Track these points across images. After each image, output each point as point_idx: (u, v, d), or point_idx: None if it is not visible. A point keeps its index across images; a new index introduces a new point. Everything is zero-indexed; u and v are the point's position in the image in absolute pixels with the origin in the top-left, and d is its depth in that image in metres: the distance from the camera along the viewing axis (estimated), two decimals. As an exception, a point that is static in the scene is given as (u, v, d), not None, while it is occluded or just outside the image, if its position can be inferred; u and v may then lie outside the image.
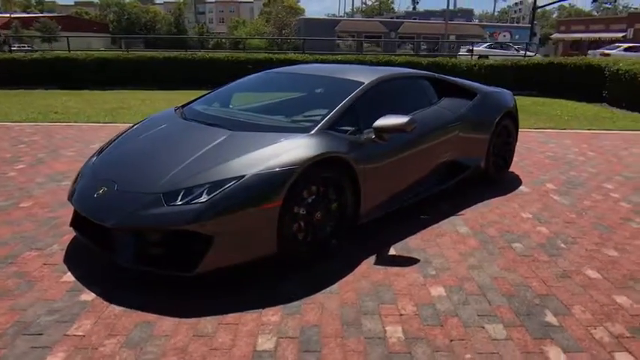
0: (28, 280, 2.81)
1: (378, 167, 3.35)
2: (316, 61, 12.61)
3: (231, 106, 4.07)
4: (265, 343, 2.27)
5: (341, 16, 66.39)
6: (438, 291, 2.78)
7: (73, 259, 3.06)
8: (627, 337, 2.38)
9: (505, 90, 5.21)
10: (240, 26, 68.95)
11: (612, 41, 52.01)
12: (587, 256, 3.27)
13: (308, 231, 2.95)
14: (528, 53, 23.20)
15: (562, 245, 3.44)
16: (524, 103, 10.27)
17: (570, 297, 2.74)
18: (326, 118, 3.22)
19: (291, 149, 2.89)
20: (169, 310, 2.50)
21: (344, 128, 3.26)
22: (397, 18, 59.23)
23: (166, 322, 2.41)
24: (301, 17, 49.52)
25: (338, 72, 4.02)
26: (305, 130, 3.14)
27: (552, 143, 6.93)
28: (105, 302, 2.58)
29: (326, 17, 62.03)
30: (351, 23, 49.37)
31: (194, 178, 2.75)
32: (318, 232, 3.01)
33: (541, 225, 3.81)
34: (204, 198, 2.62)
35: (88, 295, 2.64)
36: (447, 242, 3.44)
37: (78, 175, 3.35)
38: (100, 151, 3.49)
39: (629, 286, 2.88)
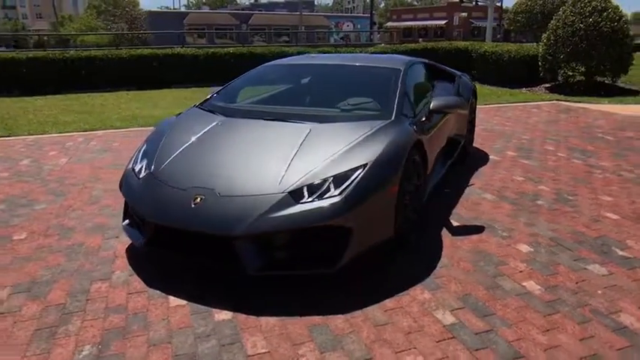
0: (135, 313, 2.45)
1: (427, 146, 3.58)
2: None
3: (276, 100, 3.95)
4: (446, 317, 2.38)
5: (176, 9, 63.65)
6: (524, 248, 3.15)
7: (157, 280, 2.73)
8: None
9: (460, 72, 5.83)
10: (66, 22, 61.68)
11: (437, 28, 59.37)
12: (594, 204, 3.96)
13: (407, 213, 3.07)
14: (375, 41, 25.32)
15: (570, 198, 4.09)
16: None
17: (617, 234, 3.35)
18: (396, 104, 3.35)
19: (390, 135, 2.97)
20: (331, 310, 2.44)
21: (405, 112, 3.42)
22: (243, 10, 59.06)
23: (338, 320, 2.36)
24: (146, 10, 46.24)
25: (362, 60, 4.13)
26: (384, 117, 3.22)
27: (473, 118, 7.88)
28: (251, 316, 2.40)
29: (173, 10, 58.98)
30: (200, 16, 47.75)
31: (311, 173, 2.67)
32: (410, 214, 3.15)
33: (537, 184, 4.45)
34: (336, 191, 2.58)
35: (223, 314, 2.43)
36: (488, 208, 3.85)
37: (131, 191, 2.95)
38: (149, 163, 3.06)
39: (642, 220, 3.61)
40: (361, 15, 65.95)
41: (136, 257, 3.03)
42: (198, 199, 2.63)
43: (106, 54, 12.49)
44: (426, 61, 4.91)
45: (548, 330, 2.28)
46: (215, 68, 12.72)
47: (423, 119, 3.54)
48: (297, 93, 4.10)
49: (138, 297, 2.59)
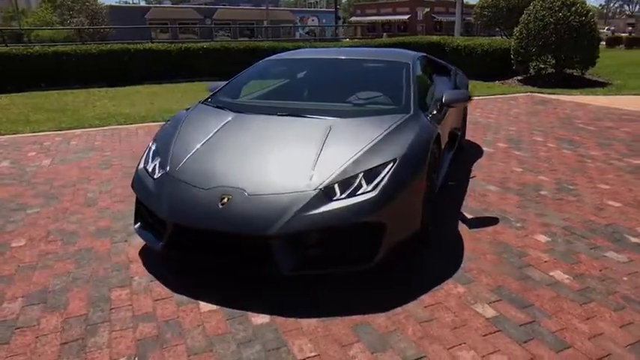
0: (165, 321, 2.33)
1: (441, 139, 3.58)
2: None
3: (285, 95, 3.87)
4: (486, 310, 2.38)
5: (135, 3, 61.81)
6: (542, 238, 3.19)
7: (183, 286, 2.61)
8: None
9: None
10: (19, 16, 58.81)
11: (400, 23, 60.00)
12: (595, 192, 4.07)
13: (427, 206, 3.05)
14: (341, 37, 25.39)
15: (571, 187, 4.19)
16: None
17: (625, 221, 3.45)
18: (412, 98, 3.32)
19: (414, 129, 2.95)
20: (369, 308, 2.40)
21: (422, 106, 3.40)
22: (206, 4, 57.87)
23: (380, 319, 2.32)
24: (106, 4, 44.65)
25: (368, 54, 4.08)
26: (404, 112, 3.19)
27: (456, 110, 7.99)
28: (290, 318, 2.33)
29: (133, 4, 57.18)
30: (162, 11, 46.49)
31: (341, 170, 2.61)
32: (429, 207, 3.13)
33: (536, 174, 4.54)
34: (369, 187, 2.53)
35: (261, 318, 2.34)
36: (495, 199, 3.89)
37: (147, 192, 2.81)
38: (164, 162, 2.92)
39: (644, 207, 3.74)
40: (326, 10, 65.88)
41: (152, 261, 2.89)
42: (225, 198, 2.53)
43: (74, 49, 11.94)
44: (426, 55, 4.92)
45: (587, 318, 2.31)
46: (187, 64, 12.40)
47: (434, 112, 3.53)
48: (307, 88, 4.00)
49: (165, 303, 2.47)
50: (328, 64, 4.17)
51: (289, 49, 13.34)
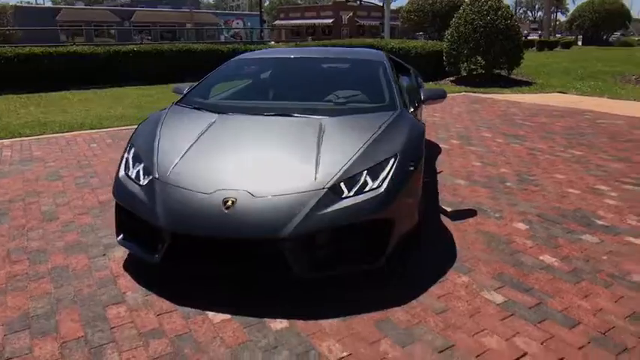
0: (177, 335, 2.18)
1: None
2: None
3: (264, 95, 3.78)
4: (495, 296, 2.46)
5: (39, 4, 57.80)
6: (520, 226, 3.37)
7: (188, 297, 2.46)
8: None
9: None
10: None
11: (325, 27, 60.92)
12: (553, 181, 4.37)
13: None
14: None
15: (530, 178, 4.47)
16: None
17: (587, 206, 3.73)
18: (396, 96, 3.37)
19: (407, 125, 3.00)
20: (383, 304, 2.40)
21: (405, 103, 3.47)
22: (122, 6, 55.18)
23: (399, 313, 2.32)
24: (12, 4, 41.14)
25: (339, 53, 4.09)
26: (391, 109, 3.23)
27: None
28: (310, 321, 2.27)
29: (39, 5, 53.18)
30: (76, 12, 43.66)
31: (344, 168, 2.58)
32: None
33: (495, 167, 4.80)
34: (374, 184, 2.53)
35: (279, 323, 2.26)
36: (467, 192, 4.06)
37: (136, 200, 2.61)
38: (149, 167, 2.73)
39: (599, 192, 4.06)
40: (249, 13, 65.31)
41: (140, 274, 2.69)
42: (229, 202, 2.41)
43: (-15, 52, 10.89)
44: (389, 54, 5.02)
45: (585, 296, 2.47)
46: (117, 67, 11.76)
47: (412, 109, 3.61)
48: (286, 87, 3.92)
49: (170, 317, 2.31)
50: (303, 63, 4.13)
51: (225, 52, 13.01)
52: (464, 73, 12.13)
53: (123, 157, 2.98)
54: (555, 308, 2.37)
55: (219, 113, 3.24)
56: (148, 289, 2.55)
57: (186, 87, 3.96)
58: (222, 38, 41.65)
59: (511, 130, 6.58)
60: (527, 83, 11.80)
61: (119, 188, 2.76)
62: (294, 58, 4.23)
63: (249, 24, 53.18)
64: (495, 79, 11.71)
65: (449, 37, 11.89)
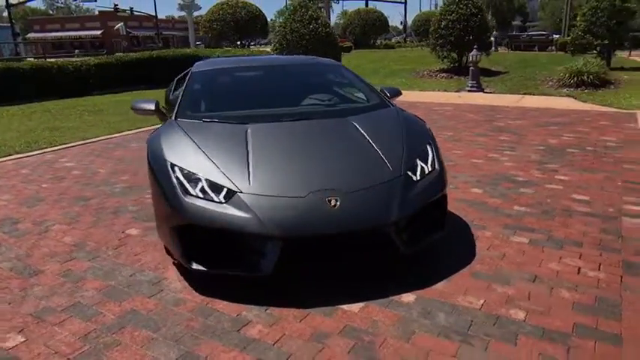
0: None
1: None
2: None
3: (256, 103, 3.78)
4: (519, 238, 3.24)
5: None
6: (475, 190, 4.28)
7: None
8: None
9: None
10: None
11: (94, 39, 55.60)
12: (458, 156, 5.48)
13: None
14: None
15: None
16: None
17: (506, 171, 4.89)
18: (379, 94, 3.89)
19: (413, 117, 3.57)
20: (468, 260, 2.94)
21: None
22: None
23: (482, 262, 2.90)
24: None
25: (295, 60, 4.39)
26: (387, 105, 3.74)
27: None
28: (426, 289, 2.66)
29: None
30: None
31: (405, 156, 2.97)
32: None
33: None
34: (429, 167, 3.00)
35: (407, 297, 2.60)
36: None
37: (227, 218, 2.55)
38: (215, 183, 2.67)
39: (495, 159, 5.31)
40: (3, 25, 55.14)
41: (230, 296, 2.64)
42: (332, 200, 2.61)
43: None
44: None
45: (565, 226, 3.45)
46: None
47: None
48: (277, 94, 3.93)
49: (276, 326, 2.41)
50: (278, 70, 4.27)
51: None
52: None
53: (168, 179, 2.76)
54: (560, 236, 3.27)
55: (243, 123, 3.24)
56: (248, 308, 2.54)
57: (149, 102, 3.85)
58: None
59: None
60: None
61: (195, 212, 2.60)
62: (268, 65, 4.38)
63: None
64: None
65: (277, 45, 12.71)
